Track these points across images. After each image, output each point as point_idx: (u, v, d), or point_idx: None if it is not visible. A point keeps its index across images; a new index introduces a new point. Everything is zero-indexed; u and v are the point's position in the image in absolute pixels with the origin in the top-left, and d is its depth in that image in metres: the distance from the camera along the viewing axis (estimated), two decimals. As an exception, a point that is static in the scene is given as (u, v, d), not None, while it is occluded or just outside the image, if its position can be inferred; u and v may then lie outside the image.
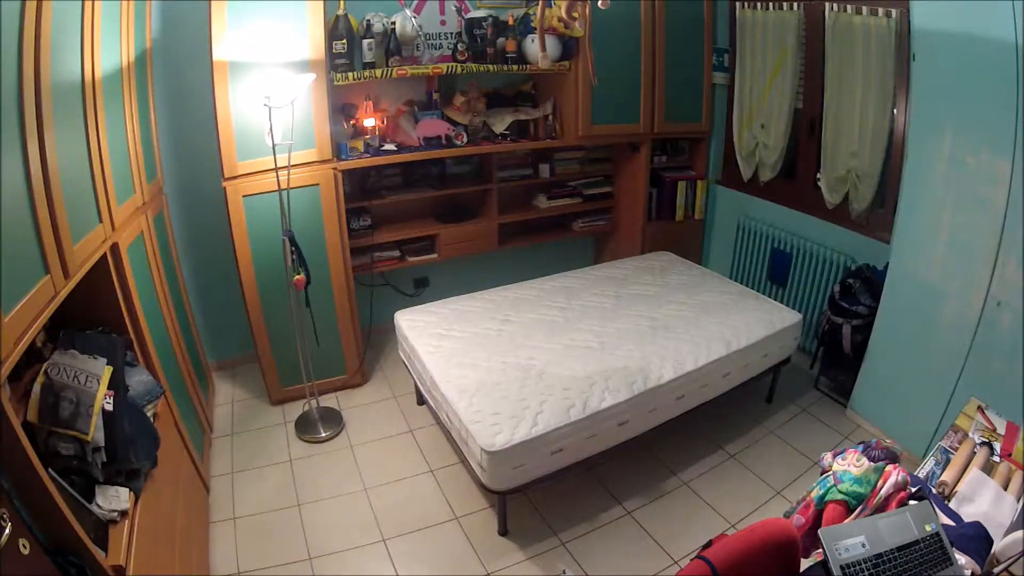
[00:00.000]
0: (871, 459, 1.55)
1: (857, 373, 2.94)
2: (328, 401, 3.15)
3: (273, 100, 2.40)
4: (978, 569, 1.27)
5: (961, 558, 1.28)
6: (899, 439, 2.17)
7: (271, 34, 2.57)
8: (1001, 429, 1.67)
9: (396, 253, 3.49)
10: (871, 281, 2.89)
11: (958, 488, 1.51)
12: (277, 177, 2.55)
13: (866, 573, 1.25)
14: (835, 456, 1.64)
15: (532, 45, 3.21)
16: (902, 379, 2.70)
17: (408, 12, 3.04)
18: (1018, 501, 1.45)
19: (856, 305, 2.89)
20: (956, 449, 1.66)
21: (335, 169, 2.89)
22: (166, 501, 1.88)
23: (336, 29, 2.85)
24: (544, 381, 2.40)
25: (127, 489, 1.59)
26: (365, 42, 2.93)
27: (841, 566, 1.25)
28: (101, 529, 1.46)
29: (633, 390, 2.36)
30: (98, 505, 1.50)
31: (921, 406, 2.58)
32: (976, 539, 1.33)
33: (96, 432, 1.51)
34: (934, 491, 1.52)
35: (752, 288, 3.48)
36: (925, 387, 2.57)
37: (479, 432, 2.15)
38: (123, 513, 1.54)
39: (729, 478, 2.64)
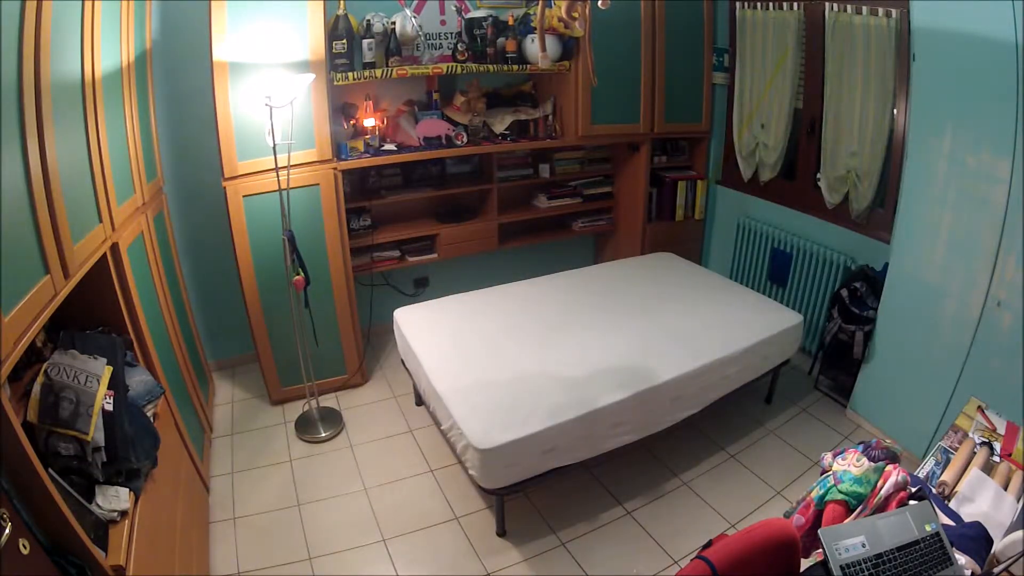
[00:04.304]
0: (871, 459, 1.55)
1: (857, 373, 2.94)
2: (328, 401, 3.15)
3: (273, 100, 2.40)
4: (978, 569, 1.27)
5: (961, 558, 1.28)
6: (899, 439, 2.17)
7: (271, 34, 2.57)
8: (1001, 429, 1.67)
9: (396, 253, 3.49)
10: (876, 283, 2.87)
11: (958, 488, 1.51)
12: (277, 177, 2.55)
13: (866, 573, 1.24)
14: (835, 456, 1.64)
15: (532, 45, 3.21)
16: (902, 379, 2.70)
17: (408, 12, 3.04)
18: (1018, 501, 1.45)
19: (867, 311, 2.87)
20: (956, 449, 1.66)
21: (335, 169, 2.89)
22: (166, 501, 1.88)
23: (336, 29, 2.85)
24: (541, 380, 2.40)
25: (127, 489, 1.59)
26: (365, 42, 2.93)
27: (841, 566, 1.25)
28: (101, 529, 1.46)
29: (631, 390, 2.36)
30: (98, 505, 1.50)
31: (921, 406, 2.58)
32: (976, 539, 1.33)
33: (96, 432, 1.51)
34: (934, 491, 1.52)
35: (752, 288, 3.49)
36: (925, 387, 2.57)
37: (472, 430, 2.15)
38: (123, 513, 1.54)
39: (729, 478, 2.64)
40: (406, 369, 2.97)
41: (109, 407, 1.59)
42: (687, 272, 3.44)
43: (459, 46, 3.15)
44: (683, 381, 2.49)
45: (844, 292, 2.96)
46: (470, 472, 2.22)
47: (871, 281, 2.91)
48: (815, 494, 1.59)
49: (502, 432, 2.12)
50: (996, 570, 1.25)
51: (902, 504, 1.44)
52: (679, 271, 3.45)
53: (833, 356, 3.10)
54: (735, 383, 2.74)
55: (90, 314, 1.82)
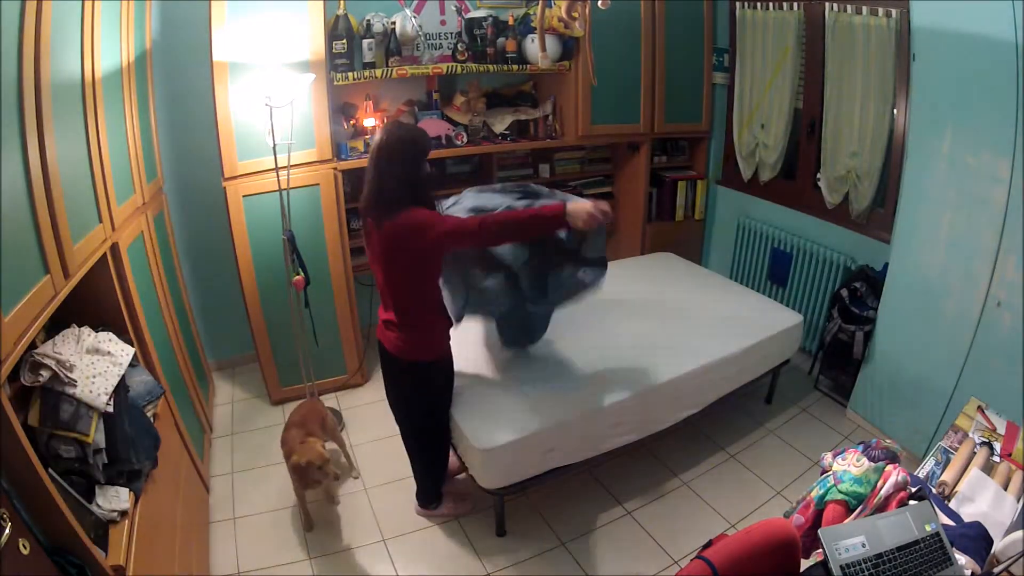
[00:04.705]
0: (871, 459, 1.55)
1: (857, 373, 2.94)
2: (328, 401, 3.15)
3: (273, 100, 2.40)
4: (978, 569, 1.27)
5: (961, 558, 1.28)
6: (899, 439, 2.17)
7: (271, 34, 2.57)
8: (1001, 429, 1.67)
9: (396, 253, 3.49)
10: (876, 283, 2.87)
11: (958, 488, 1.51)
12: (277, 177, 2.55)
13: (866, 573, 1.24)
14: (835, 456, 1.64)
15: (532, 45, 3.21)
16: (902, 379, 2.70)
17: (408, 12, 3.04)
18: (1018, 501, 1.45)
19: (867, 311, 2.87)
20: (956, 449, 1.66)
21: (335, 169, 2.89)
22: (166, 501, 1.88)
23: (336, 29, 2.85)
24: (541, 379, 2.40)
25: (127, 489, 1.59)
26: (365, 42, 2.93)
27: (841, 566, 1.25)
28: (101, 529, 1.46)
29: (631, 390, 2.36)
30: (98, 505, 1.50)
31: (921, 406, 2.58)
32: (976, 539, 1.33)
33: (97, 434, 1.51)
34: (934, 491, 1.52)
35: (752, 288, 3.49)
36: (925, 387, 2.57)
37: (473, 430, 2.15)
38: (123, 513, 1.54)
39: (729, 478, 2.64)
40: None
41: (110, 409, 1.59)
42: (687, 272, 3.44)
43: (459, 46, 3.15)
44: (683, 381, 2.49)
45: (844, 292, 2.96)
46: (471, 472, 2.22)
47: (871, 281, 2.91)
48: (815, 494, 1.59)
49: (503, 432, 2.13)
50: (996, 570, 1.25)
51: (902, 504, 1.44)
52: (679, 272, 3.45)
53: (833, 356, 3.10)
54: (735, 383, 2.73)
55: (90, 314, 1.82)
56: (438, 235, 1.84)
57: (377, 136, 1.92)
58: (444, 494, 2.46)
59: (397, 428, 2.51)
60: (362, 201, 1.96)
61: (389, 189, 1.85)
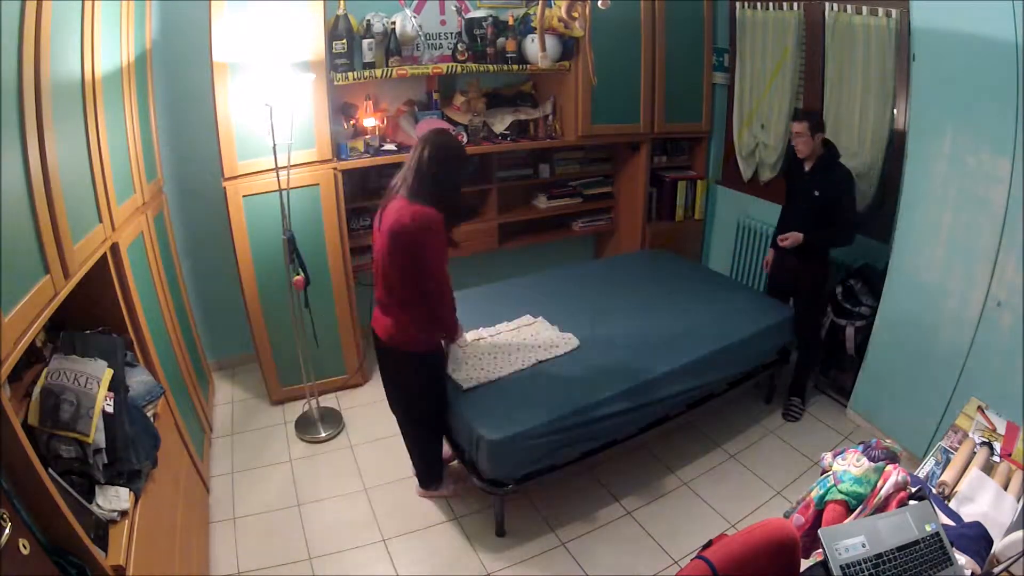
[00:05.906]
0: (871, 459, 1.55)
1: (857, 373, 2.94)
2: (328, 401, 3.15)
3: (273, 100, 2.40)
4: (978, 569, 1.27)
5: (961, 558, 1.27)
6: (899, 439, 2.17)
7: (271, 34, 2.57)
8: (1001, 429, 1.67)
9: (396, 253, 3.48)
10: (872, 281, 2.88)
11: (958, 488, 1.51)
12: (277, 177, 2.55)
13: (866, 573, 1.24)
14: (835, 456, 1.64)
15: (532, 45, 3.21)
16: (902, 379, 2.70)
17: (408, 12, 3.04)
18: (1018, 501, 1.45)
19: (859, 306, 2.88)
20: (956, 449, 1.65)
21: (335, 169, 2.89)
22: (166, 501, 1.88)
23: (336, 29, 2.86)
24: (541, 374, 2.41)
25: (127, 489, 1.59)
26: (365, 42, 2.93)
27: (841, 566, 1.25)
28: (101, 529, 1.46)
29: (628, 383, 2.37)
30: (98, 505, 1.50)
31: (921, 406, 2.58)
32: (976, 539, 1.33)
33: (97, 434, 1.51)
34: (934, 491, 1.51)
35: (753, 288, 3.49)
36: (925, 387, 2.57)
37: (481, 423, 2.16)
38: (123, 513, 1.54)
39: (729, 478, 2.65)
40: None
41: (110, 409, 1.59)
42: (680, 268, 3.44)
43: (459, 46, 3.15)
44: (679, 374, 2.50)
45: (839, 288, 2.97)
46: (477, 465, 2.22)
47: (867, 278, 2.91)
48: (815, 494, 1.59)
49: (510, 424, 2.14)
50: (996, 570, 1.25)
51: (902, 504, 1.44)
52: (672, 268, 3.45)
53: (830, 352, 3.10)
54: (731, 372, 2.74)
55: (90, 314, 1.82)
56: (430, 261, 2.00)
57: (427, 134, 2.05)
58: (444, 475, 2.53)
59: (397, 428, 2.52)
60: (396, 179, 2.06)
61: (424, 184, 1.98)
